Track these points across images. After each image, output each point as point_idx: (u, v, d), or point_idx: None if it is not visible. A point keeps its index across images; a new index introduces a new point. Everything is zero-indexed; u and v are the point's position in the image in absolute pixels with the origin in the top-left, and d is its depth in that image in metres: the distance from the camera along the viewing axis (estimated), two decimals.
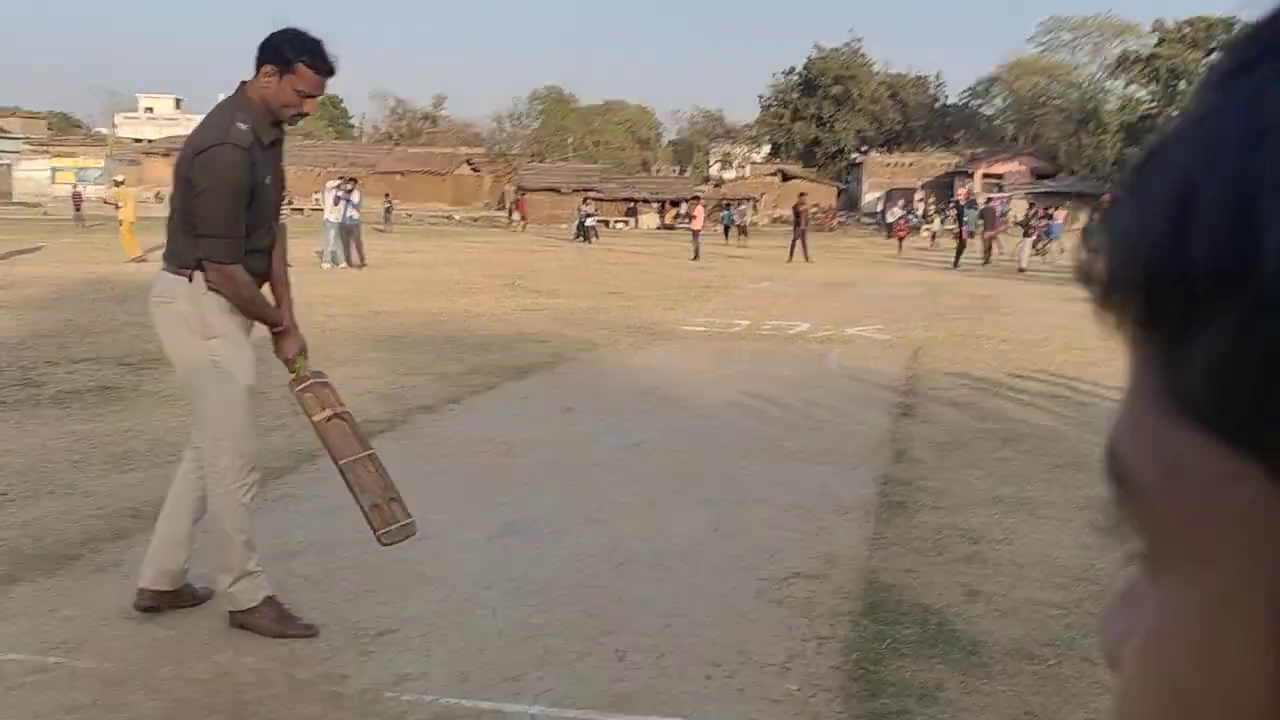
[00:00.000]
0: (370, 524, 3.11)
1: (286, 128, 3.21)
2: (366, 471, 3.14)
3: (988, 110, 76.30)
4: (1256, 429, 0.25)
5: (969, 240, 26.75)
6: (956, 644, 3.17)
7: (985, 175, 62.01)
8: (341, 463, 3.12)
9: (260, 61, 3.05)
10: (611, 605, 3.44)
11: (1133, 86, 58.14)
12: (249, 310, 3.14)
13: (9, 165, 63.27)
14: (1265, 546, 0.25)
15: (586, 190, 52.86)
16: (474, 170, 63.48)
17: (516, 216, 45.70)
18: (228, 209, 2.98)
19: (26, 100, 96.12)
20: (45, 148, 66.42)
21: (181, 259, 3.09)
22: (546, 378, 7.85)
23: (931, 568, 3.84)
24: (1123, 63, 56.87)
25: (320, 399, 3.19)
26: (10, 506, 4.33)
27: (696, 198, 37.37)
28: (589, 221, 37.02)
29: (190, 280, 3.07)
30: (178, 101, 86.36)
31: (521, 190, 51.50)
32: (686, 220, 37.14)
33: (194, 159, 2.99)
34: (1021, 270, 22.16)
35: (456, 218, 52.69)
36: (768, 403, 6.98)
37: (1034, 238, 24.76)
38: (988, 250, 26.96)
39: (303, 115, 3.12)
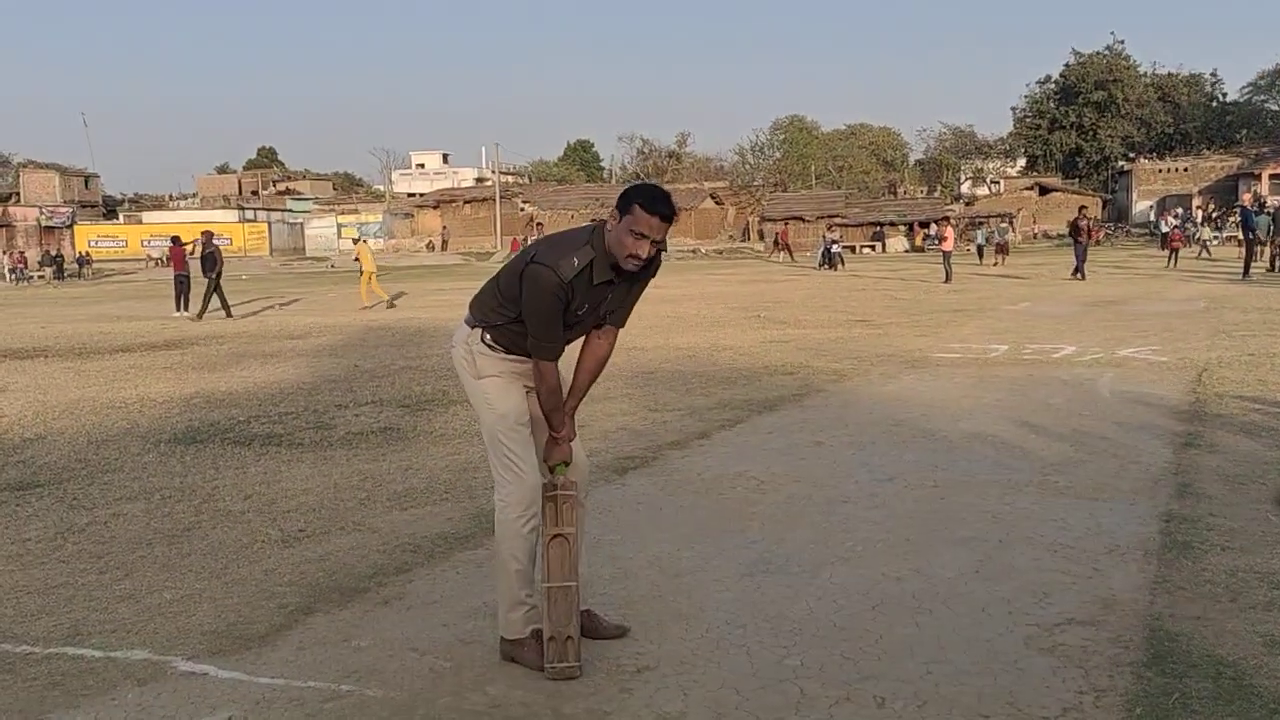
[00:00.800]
0: (544, 651, 3.22)
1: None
2: (563, 601, 3.24)
3: (1274, 106, 69.57)
4: None
5: (1261, 249, 24.44)
6: (1257, 701, 2.88)
7: (1273, 176, 56.51)
8: (546, 585, 3.26)
9: (615, 209, 3.28)
10: (869, 648, 3.36)
11: None
12: (545, 402, 3.35)
13: (301, 224, 69.95)
14: None
15: (830, 216, 52.36)
16: (717, 203, 64.35)
17: (779, 252, 45.59)
18: (540, 319, 3.22)
19: (315, 164, 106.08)
20: (331, 206, 73.08)
21: (476, 312, 3.42)
22: (795, 410, 7.80)
23: (1224, 615, 3.51)
24: None
25: (558, 514, 3.34)
26: (308, 541, 4.76)
27: (946, 217, 36.12)
28: (834, 248, 36.60)
29: (472, 330, 3.39)
30: (445, 157, 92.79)
31: (781, 221, 51.30)
32: (936, 242, 35.90)
33: (529, 265, 3.23)
34: None
35: (702, 251, 53.48)
36: (1031, 433, 6.63)
37: None
38: (1275, 259, 24.52)
39: (638, 259, 3.21)
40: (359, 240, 27.72)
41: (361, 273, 22.17)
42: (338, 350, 12.84)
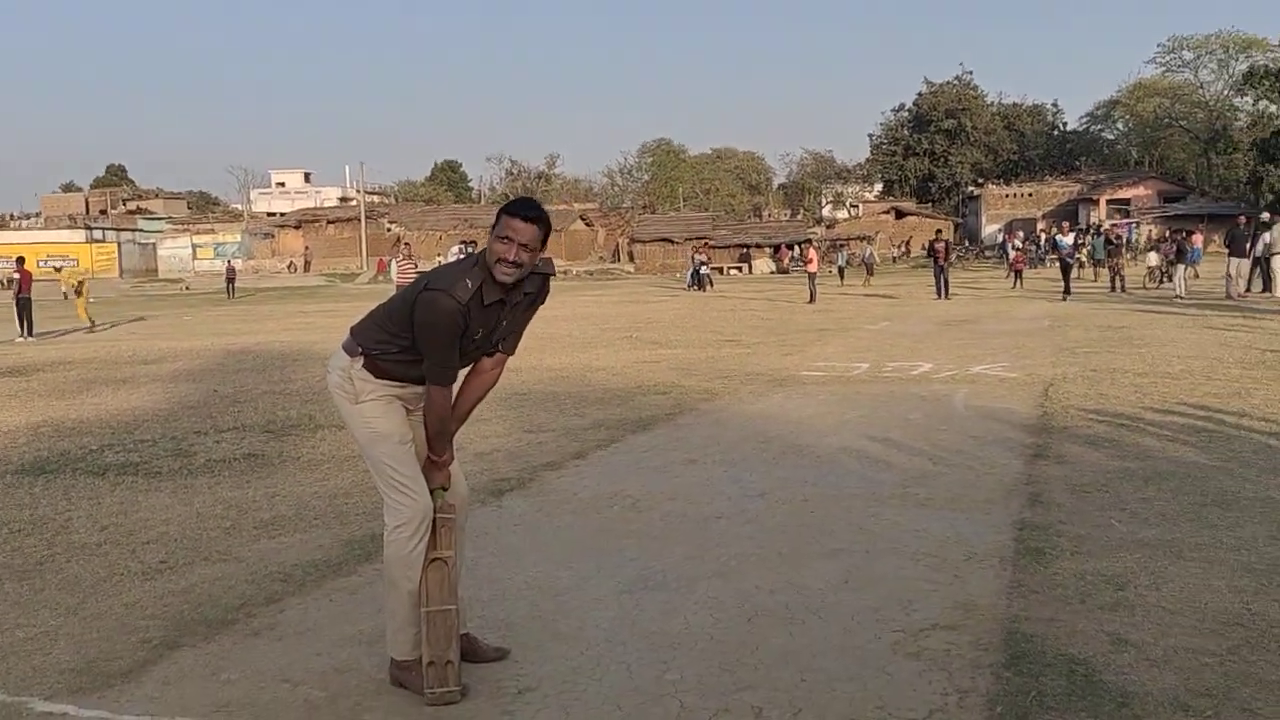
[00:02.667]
0: (424, 677, 3.21)
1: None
2: (442, 625, 3.24)
3: (1109, 135, 74.15)
4: None
5: (1098, 270, 25.89)
6: (1106, 696, 3.06)
7: (1110, 201, 60.12)
8: (424, 610, 3.25)
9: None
10: (745, 660, 3.44)
11: (1263, 102, 55.68)
12: (431, 426, 3.34)
13: (154, 244, 67.18)
14: None
15: (699, 239, 53.20)
16: (587, 225, 64.61)
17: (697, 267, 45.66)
18: (438, 345, 3.22)
19: (168, 182, 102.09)
20: (186, 226, 70.33)
21: (359, 339, 3.37)
22: (668, 429, 7.91)
23: (1075, 616, 3.72)
24: (1250, 78, 54.57)
25: (436, 538, 3.34)
26: (170, 573, 4.58)
27: (809, 240, 37.24)
28: (703, 270, 37.20)
29: (353, 358, 3.36)
30: (307, 175, 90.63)
31: (704, 244, 51.31)
32: (801, 264, 36.91)
33: (422, 293, 3.23)
34: (1179, 298, 21.18)
35: (573, 272, 53.60)
36: (893, 448, 6.89)
37: (1162, 263, 23.55)
38: (1115, 278, 26.06)
39: (508, 264, 3.21)
40: (59, 268, 29.22)
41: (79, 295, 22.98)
42: (195, 375, 12.39)
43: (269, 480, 6.46)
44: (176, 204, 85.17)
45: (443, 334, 3.20)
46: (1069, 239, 24.92)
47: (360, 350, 3.36)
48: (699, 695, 3.17)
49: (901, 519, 5.13)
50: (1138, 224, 54.68)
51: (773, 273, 51.44)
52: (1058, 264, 25.40)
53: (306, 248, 64.33)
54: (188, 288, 49.02)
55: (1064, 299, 22.43)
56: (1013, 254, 33.29)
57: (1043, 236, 50.18)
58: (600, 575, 4.38)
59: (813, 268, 28.01)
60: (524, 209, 3.28)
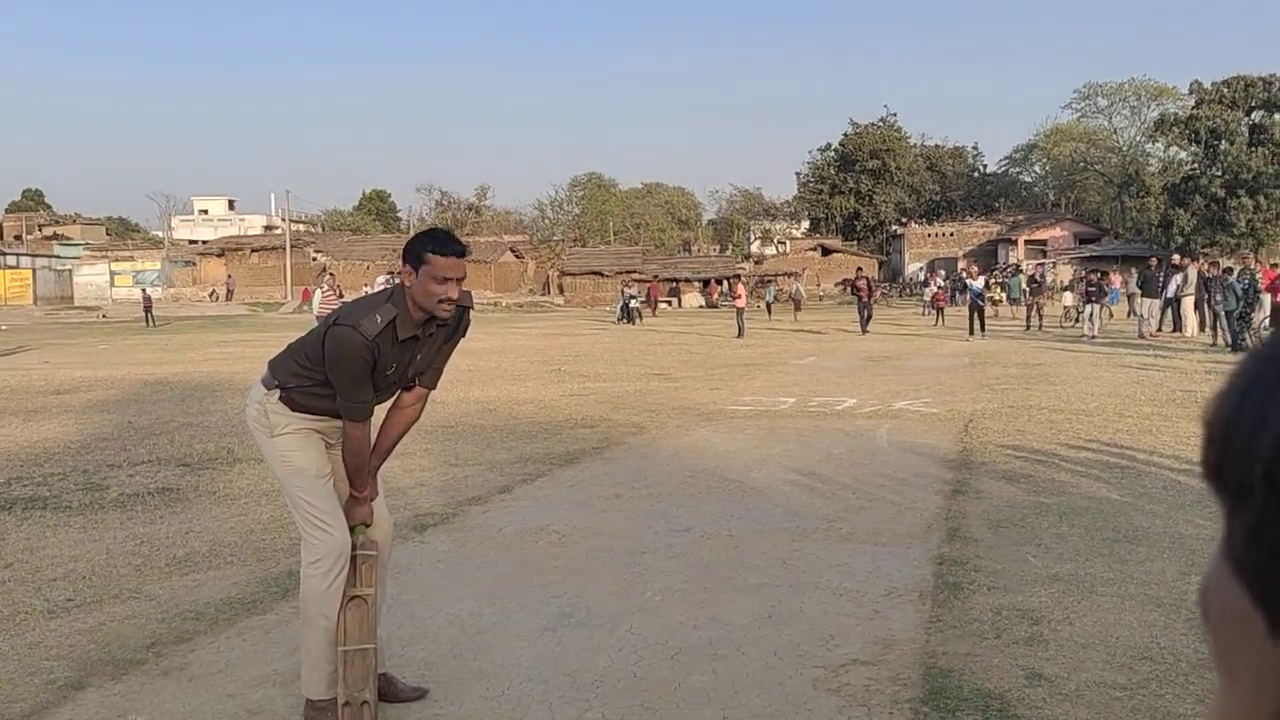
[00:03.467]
0: (339, 717, 3.18)
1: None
2: (359, 665, 3.21)
3: (1028, 178, 76.47)
4: (1264, 593, 0.36)
5: (1014, 308, 26.49)
6: None
7: (1028, 242, 61.82)
8: (341, 649, 3.22)
9: (405, 258, 3.28)
10: (668, 698, 3.43)
11: (1174, 148, 57.93)
12: (349, 462, 3.32)
13: (70, 271, 65.37)
14: (1267, 680, 0.37)
15: (629, 272, 53.42)
16: (517, 257, 64.50)
17: (643, 301, 45.63)
18: (348, 380, 3.20)
19: (86, 207, 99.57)
20: (104, 253, 68.55)
21: (276, 374, 3.35)
22: (595, 464, 7.89)
23: (991, 651, 3.78)
24: (1161, 125, 56.76)
25: (357, 575, 3.31)
26: (77, 612, 4.43)
27: (738, 276, 37.55)
28: (633, 303, 37.33)
29: (269, 391, 3.32)
30: (230, 203, 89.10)
31: (653, 280, 51.29)
32: (730, 299, 37.12)
33: (331, 328, 3.22)
34: (1092, 338, 21.70)
35: (503, 304, 53.41)
36: (818, 482, 6.96)
37: (1081, 303, 24.10)
38: (1029, 316, 26.77)
39: (450, 302, 3.22)
40: None
41: None
42: (110, 406, 12.04)
43: (183, 515, 6.29)
44: (95, 230, 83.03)
45: (351, 370, 3.18)
46: (979, 282, 25.39)
47: (276, 384, 3.33)
48: None
49: (824, 554, 5.18)
50: (1054, 264, 56.31)
51: (702, 307, 51.79)
52: (966, 307, 25.83)
53: (229, 276, 63.10)
54: (105, 315, 47.72)
55: (972, 337, 22.90)
56: (935, 291, 33.96)
57: (964, 275, 51.38)
58: (523, 612, 4.34)
59: (741, 303, 28.06)
60: (453, 245, 3.26)
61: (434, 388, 3.52)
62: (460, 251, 3.24)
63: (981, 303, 24.70)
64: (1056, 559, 4.98)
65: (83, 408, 11.89)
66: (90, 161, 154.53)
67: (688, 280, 56.56)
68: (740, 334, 25.68)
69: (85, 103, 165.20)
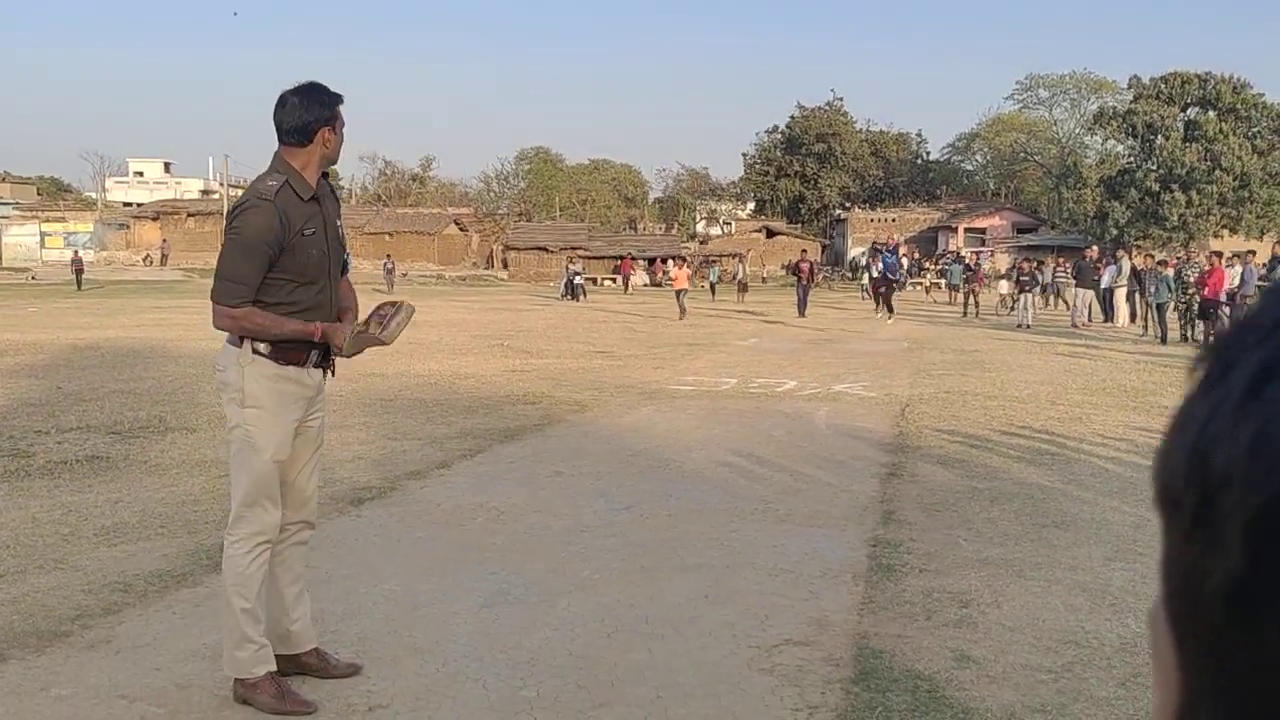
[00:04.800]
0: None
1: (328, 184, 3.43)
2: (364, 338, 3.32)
3: (969, 166, 77.52)
4: (1172, 608, 0.38)
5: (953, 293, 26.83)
6: (948, 711, 3.18)
7: (968, 229, 62.71)
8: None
9: (312, 129, 3.23)
10: (603, 676, 3.44)
11: (1111, 141, 59.06)
12: (267, 336, 3.19)
13: None
14: (1170, 687, 0.39)
15: (574, 248, 53.23)
16: (461, 230, 63.90)
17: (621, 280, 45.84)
18: (239, 250, 3.15)
19: (16, 166, 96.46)
20: (35, 213, 66.60)
21: (218, 298, 3.25)
22: (536, 440, 7.87)
23: (921, 632, 3.85)
24: (1100, 118, 57.82)
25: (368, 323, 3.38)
26: (1, 582, 4.32)
27: (680, 256, 37.33)
28: (577, 280, 37.20)
29: (239, 348, 3.22)
30: (167, 165, 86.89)
31: (629, 258, 51.04)
32: (669, 281, 36.64)
33: (230, 217, 3.22)
34: (1026, 327, 21.94)
35: (447, 276, 52.93)
36: (757, 463, 7.02)
37: (1032, 292, 24.21)
38: (966, 302, 27.22)
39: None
40: None
41: None
42: (38, 371, 11.73)
43: (113, 485, 6.15)
44: (25, 189, 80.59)
45: (254, 234, 3.13)
46: (891, 260, 26.03)
47: (233, 306, 3.19)
48: (554, 713, 3.16)
49: (761, 535, 5.22)
50: (992, 253, 57.22)
51: (647, 285, 51.66)
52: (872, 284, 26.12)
53: (164, 241, 61.68)
54: (34, 278, 46.40)
55: (878, 315, 23.42)
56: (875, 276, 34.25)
57: (905, 261, 51.90)
58: (460, 589, 4.33)
59: (681, 284, 27.41)
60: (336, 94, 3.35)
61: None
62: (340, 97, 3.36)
63: (893, 279, 24.28)
64: (987, 543, 5.08)
65: (9, 371, 11.57)
66: (20, 117, 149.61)
67: (633, 258, 56.51)
68: (682, 314, 25.60)
69: (16, 56, 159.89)
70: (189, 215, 63.75)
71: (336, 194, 3.50)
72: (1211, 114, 54.06)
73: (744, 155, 74.72)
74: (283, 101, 3.22)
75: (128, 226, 64.72)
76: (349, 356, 3.33)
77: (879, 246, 33.87)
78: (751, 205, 74.76)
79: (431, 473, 6.62)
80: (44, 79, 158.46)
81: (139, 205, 70.55)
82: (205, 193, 76.67)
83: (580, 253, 52.05)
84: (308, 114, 3.22)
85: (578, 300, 35.01)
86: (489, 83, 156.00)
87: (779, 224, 66.56)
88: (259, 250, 3.12)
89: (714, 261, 48.27)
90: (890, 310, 23.59)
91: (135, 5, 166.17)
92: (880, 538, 5.16)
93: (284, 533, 3.32)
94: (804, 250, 33.44)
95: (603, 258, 56.00)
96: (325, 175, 3.40)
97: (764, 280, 55.23)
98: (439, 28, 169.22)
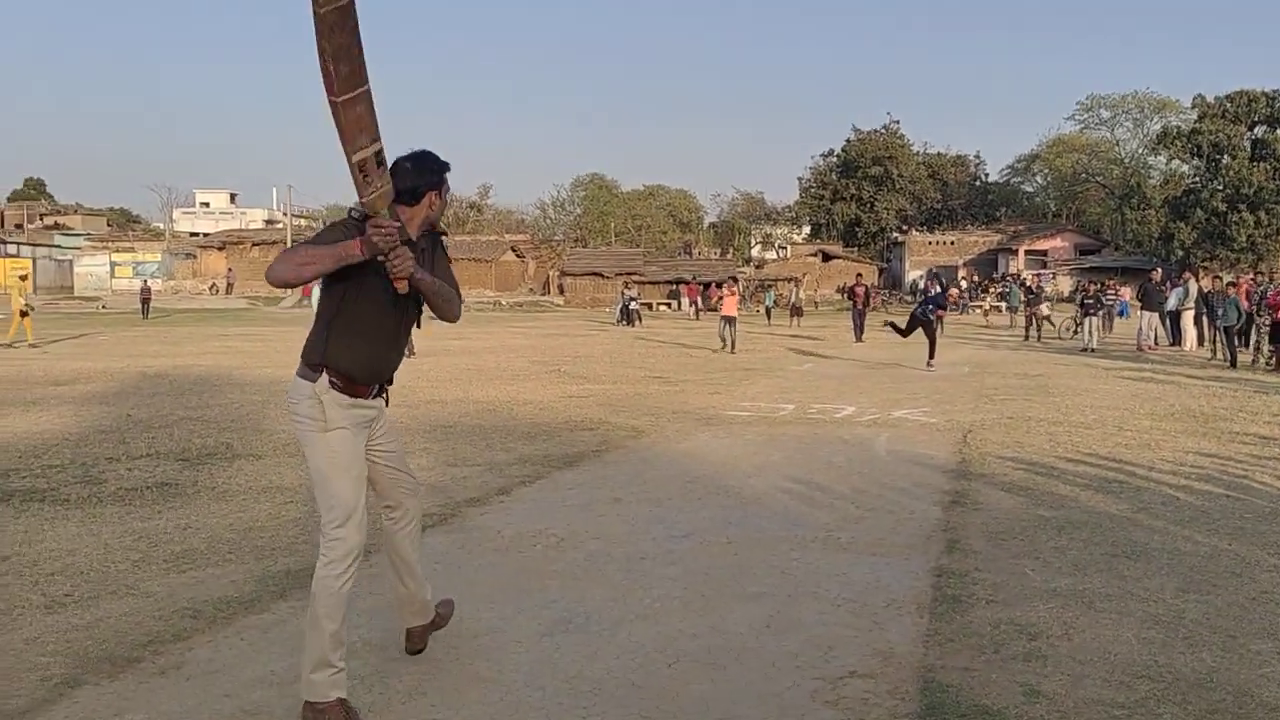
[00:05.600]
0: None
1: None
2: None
3: (1029, 188, 76.60)
4: None
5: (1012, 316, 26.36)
6: None
7: (1028, 252, 61.87)
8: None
9: (421, 192, 3.45)
10: (666, 706, 3.42)
11: (1175, 161, 58.05)
12: (317, 265, 3.21)
13: (71, 261, 65.34)
14: None
15: (629, 274, 53.42)
16: (518, 256, 64.50)
17: (689, 304, 46.11)
18: (308, 243, 3.33)
19: (88, 198, 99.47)
20: (105, 243, 68.51)
21: (311, 355, 3.40)
22: (594, 467, 7.88)
23: (989, 666, 3.78)
24: (1164, 138, 56.88)
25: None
26: (74, 608, 4.42)
27: (733, 278, 36.94)
28: (632, 305, 37.32)
29: (314, 382, 3.36)
30: (232, 196, 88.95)
31: (697, 282, 51.23)
32: (715, 306, 34.77)
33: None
34: (1091, 350, 21.44)
35: (504, 303, 53.42)
36: (817, 490, 6.96)
37: (1097, 315, 23.45)
38: (1029, 326, 26.81)
39: None
40: (23, 278, 28.23)
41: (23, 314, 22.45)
42: (109, 399, 12.03)
43: (182, 511, 6.28)
44: (96, 220, 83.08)
45: (326, 236, 3.31)
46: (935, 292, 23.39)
47: (318, 362, 3.37)
48: None
49: (824, 563, 5.17)
50: (1054, 275, 56.37)
51: (697, 313, 51.40)
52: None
53: (230, 270, 63.10)
54: (104, 306, 47.70)
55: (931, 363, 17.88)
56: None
57: (964, 284, 51.37)
58: (521, 616, 4.34)
59: (729, 310, 22.48)
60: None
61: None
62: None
63: (928, 317, 18.30)
64: (1055, 573, 4.98)
65: (82, 399, 11.88)
66: (93, 152, 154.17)
67: (687, 282, 56.53)
68: (725, 347, 21.61)
69: (88, 92, 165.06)
70: (253, 245, 65.12)
71: (445, 248, 3.69)
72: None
73: (799, 179, 74.74)
74: (395, 166, 3.37)
75: (194, 256, 66.30)
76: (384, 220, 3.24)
77: (936, 272, 33.46)
78: (807, 229, 74.55)
79: (491, 499, 6.66)
80: (115, 113, 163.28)
81: (205, 235, 72.28)
82: (269, 222, 78.35)
83: (635, 278, 52.19)
84: (419, 179, 3.44)
85: (633, 325, 35.11)
86: (545, 110, 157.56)
87: (835, 247, 66.25)
88: (320, 246, 3.27)
89: (769, 286, 48.13)
90: (932, 352, 17.99)
91: (201, 40, 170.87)
92: (945, 567, 5.08)
93: (391, 522, 3.68)
94: (859, 274, 33.23)
95: (658, 283, 56.14)
96: (438, 235, 3.61)
97: (816, 305, 54.95)
98: (496, 58, 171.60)
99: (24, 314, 22.25)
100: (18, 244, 65.15)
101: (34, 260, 62.44)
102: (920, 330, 18.10)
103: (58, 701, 3.42)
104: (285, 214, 68.13)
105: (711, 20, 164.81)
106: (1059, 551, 5.38)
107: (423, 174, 3.45)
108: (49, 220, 78.53)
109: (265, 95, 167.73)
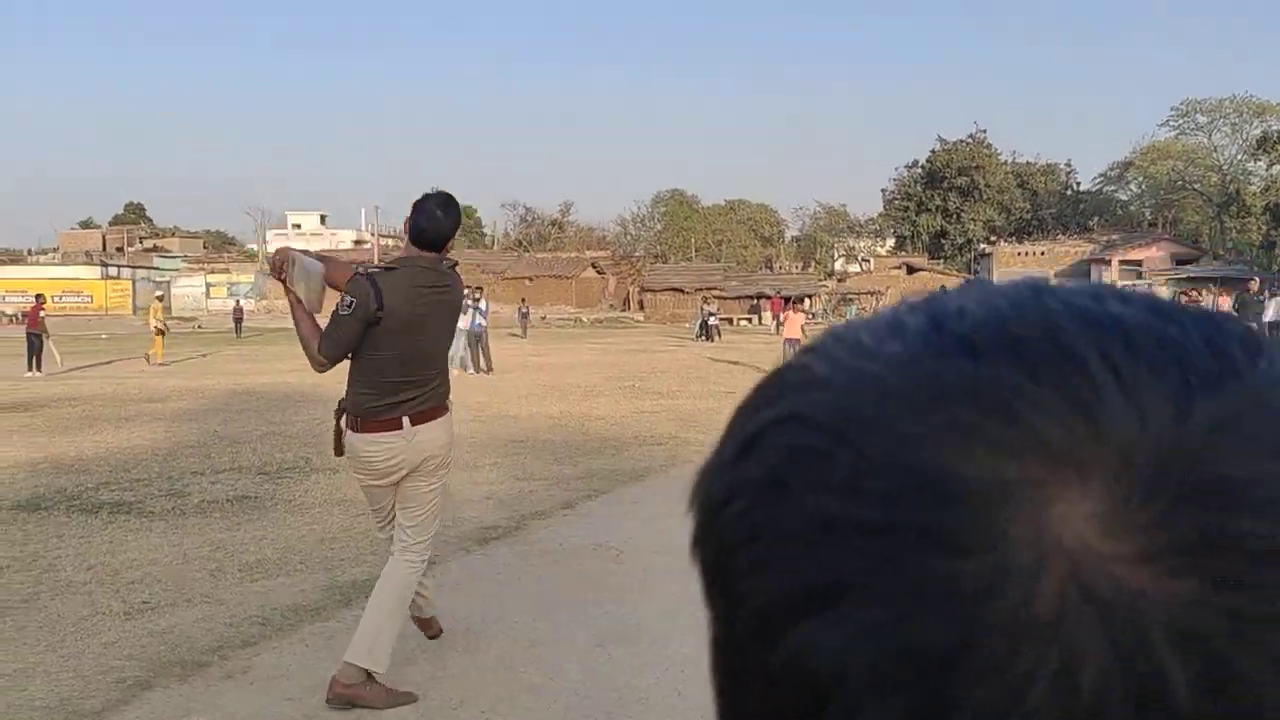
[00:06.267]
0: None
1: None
2: None
3: (1123, 196, 74.53)
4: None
5: None
6: None
7: (1123, 262, 60.17)
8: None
9: (445, 240, 3.97)
10: (708, 717, 3.45)
11: (1276, 167, 55.99)
12: (302, 328, 4.12)
13: (169, 282, 67.82)
14: None
15: (709, 289, 53.43)
16: (599, 272, 64.96)
17: (771, 319, 46.33)
18: (336, 318, 3.94)
19: (185, 222, 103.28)
20: (201, 265, 70.96)
21: (443, 390, 3.91)
22: (660, 481, 7.93)
23: None
24: (1264, 143, 54.93)
25: None
26: (151, 614, 4.63)
27: (801, 298, 36.40)
28: (711, 320, 37.30)
29: (450, 413, 3.91)
30: (323, 218, 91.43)
31: (709, 298, 51.56)
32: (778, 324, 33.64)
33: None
34: None
35: (584, 319, 53.87)
36: None
37: None
38: None
39: None
40: (159, 298, 29.58)
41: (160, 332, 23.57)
42: (198, 415, 12.48)
43: (259, 523, 6.50)
44: (193, 243, 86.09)
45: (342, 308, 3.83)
46: None
47: (445, 395, 3.95)
48: None
49: None
50: (1150, 285, 54.76)
51: (778, 327, 51.25)
52: None
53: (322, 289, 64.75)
54: (200, 326, 49.43)
55: None
56: None
57: None
58: (576, 626, 4.41)
59: (793, 333, 20.10)
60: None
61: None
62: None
63: None
64: None
65: (173, 416, 12.34)
66: (190, 176, 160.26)
67: (768, 297, 56.33)
68: None
69: (186, 118, 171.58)
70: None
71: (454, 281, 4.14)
72: None
73: (883, 191, 73.88)
74: (425, 211, 3.80)
75: None
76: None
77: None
78: (891, 241, 73.68)
79: (555, 513, 6.75)
80: (212, 140, 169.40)
81: None
82: (358, 242, 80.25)
83: (715, 293, 52.20)
84: (447, 227, 3.93)
85: (712, 340, 35.09)
86: (626, 127, 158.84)
87: (919, 260, 65.30)
88: (348, 323, 3.88)
89: (851, 299, 47.70)
90: None
91: (291, 67, 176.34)
92: None
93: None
94: (944, 286, 32.60)
95: (738, 298, 56.04)
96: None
97: None
98: (577, 77, 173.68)
99: (160, 333, 23.44)
100: (119, 266, 67.84)
101: (133, 282, 64.97)
102: None
103: (130, 703, 3.60)
104: (373, 234, 69.80)
105: (791, 34, 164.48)
106: None
107: (450, 220, 4.07)
108: (149, 243, 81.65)
109: (354, 119, 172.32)
